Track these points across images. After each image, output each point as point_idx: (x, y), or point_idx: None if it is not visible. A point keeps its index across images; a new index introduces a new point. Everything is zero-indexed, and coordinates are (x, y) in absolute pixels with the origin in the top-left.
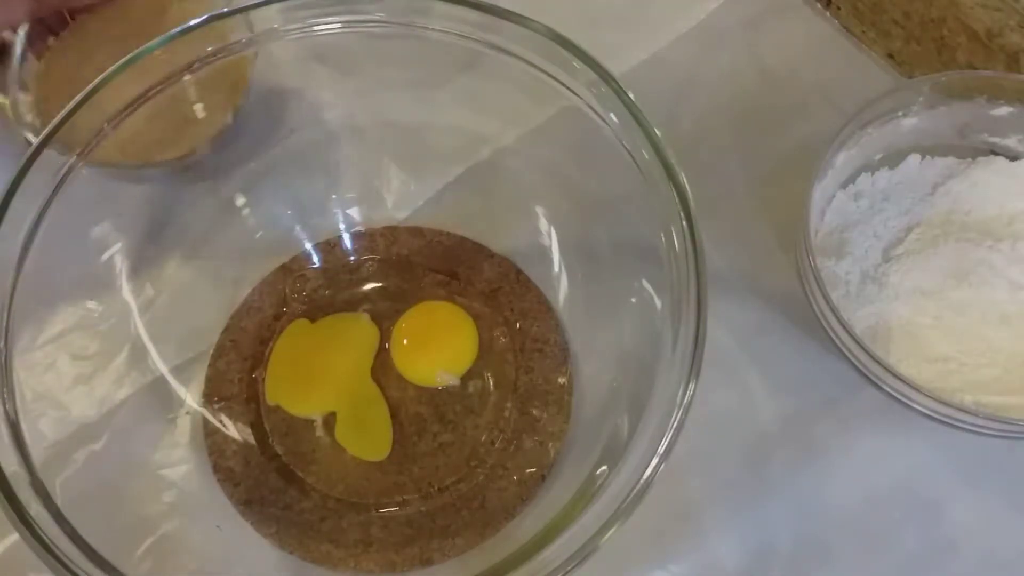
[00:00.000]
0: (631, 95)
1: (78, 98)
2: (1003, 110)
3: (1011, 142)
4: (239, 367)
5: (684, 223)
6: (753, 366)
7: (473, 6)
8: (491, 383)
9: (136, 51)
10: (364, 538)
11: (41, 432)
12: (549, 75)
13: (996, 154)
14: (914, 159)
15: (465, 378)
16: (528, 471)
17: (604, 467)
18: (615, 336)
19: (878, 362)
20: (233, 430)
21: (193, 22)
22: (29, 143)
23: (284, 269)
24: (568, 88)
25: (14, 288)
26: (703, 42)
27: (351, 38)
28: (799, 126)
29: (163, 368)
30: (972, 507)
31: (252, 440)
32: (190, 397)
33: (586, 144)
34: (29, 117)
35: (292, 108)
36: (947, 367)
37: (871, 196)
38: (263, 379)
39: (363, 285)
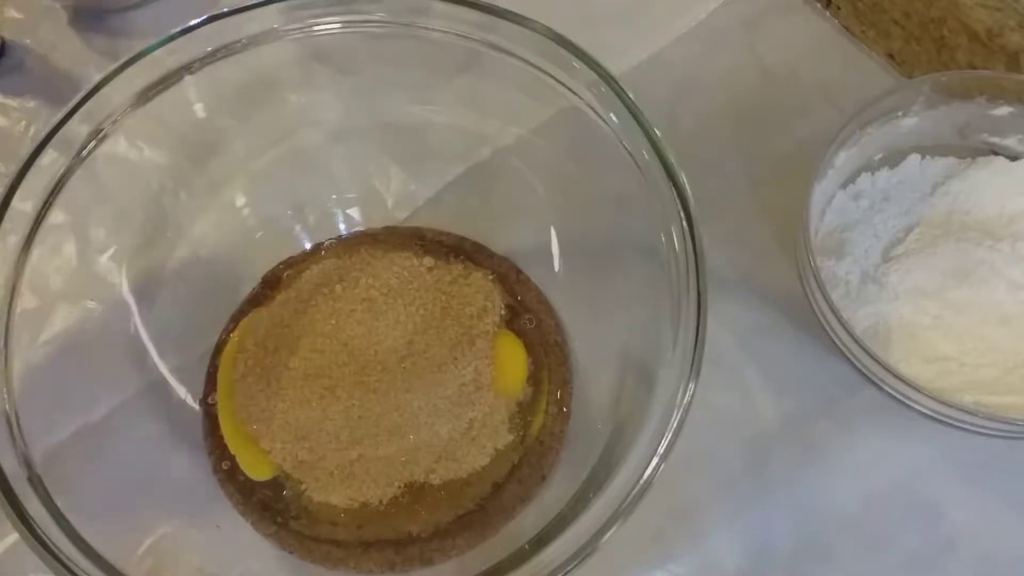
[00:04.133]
0: (631, 95)
1: (78, 98)
2: (1003, 110)
3: (1011, 142)
4: None
5: (684, 223)
6: (753, 366)
7: (473, 6)
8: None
9: (136, 51)
10: (364, 538)
11: (41, 432)
12: (549, 75)
13: (996, 154)
14: (914, 159)
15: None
16: (528, 471)
17: (604, 467)
18: (615, 336)
19: (878, 362)
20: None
21: (193, 22)
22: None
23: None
24: (568, 88)
25: (14, 288)
26: (703, 42)
27: (351, 38)
28: (799, 126)
29: (163, 368)
30: (972, 507)
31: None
32: (190, 397)
33: (586, 144)
34: None
35: (292, 108)
36: (947, 367)
37: (871, 196)
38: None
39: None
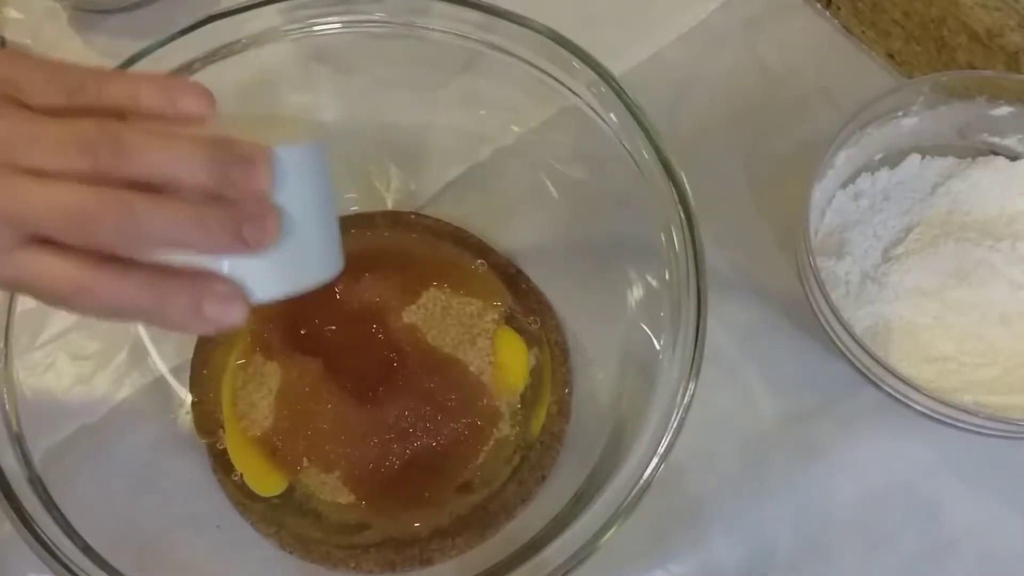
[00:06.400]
0: (631, 95)
1: None
2: (1003, 110)
3: (1011, 142)
4: None
5: (684, 223)
6: (753, 366)
7: (473, 6)
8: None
9: (136, 51)
10: (364, 538)
11: (41, 432)
12: (549, 75)
13: (996, 154)
14: (914, 159)
15: None
16: (528, 471)
17: (604, 467)
18: (615, 336)
19: (878, 362)
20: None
21: (193, 22)
22: None
23: None
24: (568, 88)
25: None
26: (703, 42)
27: (351, 38)
28: (799, 126)
29: (163, 368)
30: (972, 507)
31: None
32: (190, 397)
33: (586, 144)
34: None
35: (292, 108)
36: (947, 367)
37: (871, 196)
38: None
39: None
